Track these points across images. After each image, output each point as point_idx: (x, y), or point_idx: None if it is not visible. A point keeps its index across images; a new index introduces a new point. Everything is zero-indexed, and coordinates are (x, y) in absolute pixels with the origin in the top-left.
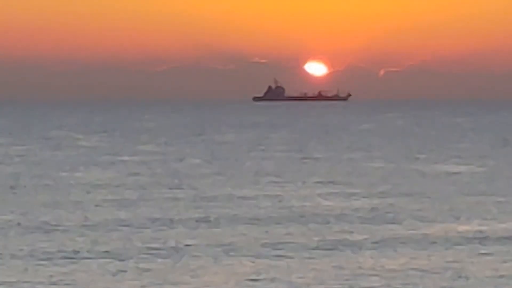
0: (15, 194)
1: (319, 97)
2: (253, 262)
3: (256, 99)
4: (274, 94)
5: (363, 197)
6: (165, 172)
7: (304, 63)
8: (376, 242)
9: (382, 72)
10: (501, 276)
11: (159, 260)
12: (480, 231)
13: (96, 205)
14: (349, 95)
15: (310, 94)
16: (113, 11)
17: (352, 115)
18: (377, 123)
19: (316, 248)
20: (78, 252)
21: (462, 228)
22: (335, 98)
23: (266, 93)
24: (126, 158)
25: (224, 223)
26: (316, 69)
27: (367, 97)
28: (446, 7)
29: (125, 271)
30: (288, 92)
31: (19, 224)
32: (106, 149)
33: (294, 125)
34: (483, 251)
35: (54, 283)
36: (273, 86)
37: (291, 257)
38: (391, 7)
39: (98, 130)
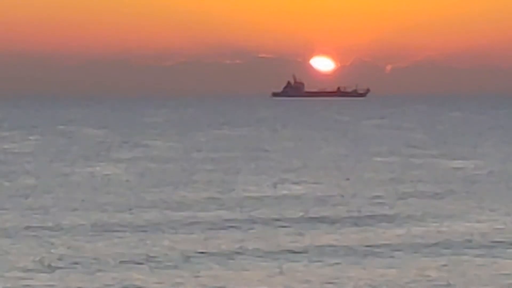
0: (26, 193)
1: (338, 92)
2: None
3: (275, 94)
4: (293, 89)
5: (380, 198)
6: (178, 168)
7: (311, 58)
8: (394, 246)
9: (389, 67)
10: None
11: (172, 265)
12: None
13: (110, 206)
14: (368, 90)
15: (329, 90)
16: (121, 6)
17: (360, 110)
18: (386, 118)
19: (337, 250)
20: (96, 258)
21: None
22: (354, 94)
23: (285, 89)
24: (136, 153)
25: (242, 225)
26: (322, 64)
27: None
28: (452, 5)
29: (141, 276)
30: (306, 88)
31: (37, 225)
32: (116, 143)
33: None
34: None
35: None
36: (292, 81)
37: (306, 262)
38: (398, 4)
39: (105, 125)
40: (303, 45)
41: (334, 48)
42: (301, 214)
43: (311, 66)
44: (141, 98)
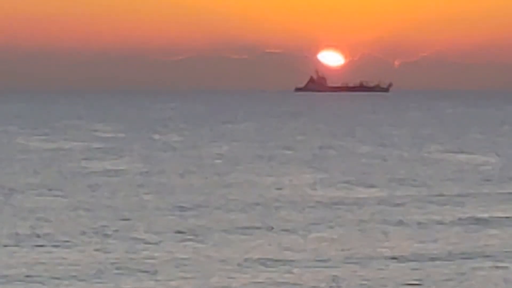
0: (38, 192)
1: (361, 87)
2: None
3: (297, 89)
4: (316, 84)
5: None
6: (195, 162)
7: (318, 53)
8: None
9: (397, 62)
10: None
11: (190, 274)
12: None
13: (130, 209)
14: (391, 85)
15: (351, 85)
16: (130, 1)
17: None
18: (395, 113)
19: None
20: (110, 265)
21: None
22: (377, 88)
23: (307, 84)
24: (148, 148)
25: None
26: (330, 59)
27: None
28: (461, 0)
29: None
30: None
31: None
32: (128, 139)
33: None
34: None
35: None
36: (315, 76)
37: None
38: (406, 0)
39: (115, 120)
40: (311, 40)
41: (342, 43)
42: (303, 217)
43: (318, 61)
44: (150, 92)
